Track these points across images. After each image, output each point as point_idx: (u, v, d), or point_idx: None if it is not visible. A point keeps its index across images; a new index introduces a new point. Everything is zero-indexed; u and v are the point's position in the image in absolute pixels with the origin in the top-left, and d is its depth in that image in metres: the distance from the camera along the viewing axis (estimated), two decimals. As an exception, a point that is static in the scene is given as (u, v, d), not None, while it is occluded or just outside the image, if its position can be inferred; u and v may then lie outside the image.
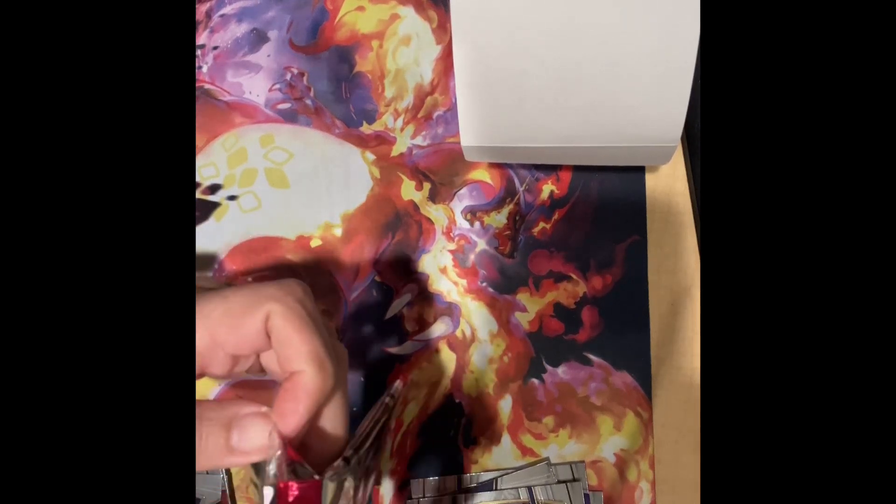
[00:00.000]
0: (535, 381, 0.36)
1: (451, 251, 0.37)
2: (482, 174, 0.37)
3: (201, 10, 0.37)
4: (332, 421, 0.25)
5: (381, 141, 0.37)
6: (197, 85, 0.37)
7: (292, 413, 0.23)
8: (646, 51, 0.27)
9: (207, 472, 0.35)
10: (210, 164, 0.37)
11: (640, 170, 0.36)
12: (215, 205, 0.37)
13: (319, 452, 0.25)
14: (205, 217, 0.37)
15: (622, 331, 0.36)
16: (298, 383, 0.24)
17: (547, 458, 0.36)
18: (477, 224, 0.37)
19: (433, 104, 0.37)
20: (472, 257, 0.37)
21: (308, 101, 0.37)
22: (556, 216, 0.36)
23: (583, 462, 0.36)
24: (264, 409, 0.23)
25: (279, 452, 0.22)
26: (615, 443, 0.36)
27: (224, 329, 0.24)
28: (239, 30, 0.37)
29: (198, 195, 0.37)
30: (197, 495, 0.35)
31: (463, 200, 0.37)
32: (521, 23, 0.27)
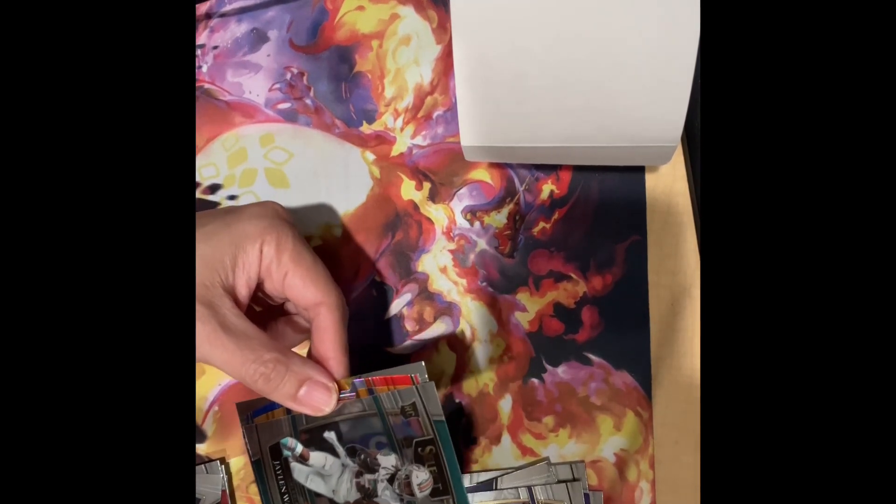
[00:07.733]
0: (535, 380, 0.36)
1: (451, 251, 0.37)
2: (482, 174, 0.37)
3: (201, 10, 0.37)
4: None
5: (381, 141, 0.37)
6: (197, 85, 0.37)
7: (335, 358, 0.30)
8: (646, 51, 0.27)
9: (207, 472, 0.35)
10: (210, 164, 0.37)
11: (640, 170, 0.36)
12: (215, 205, 0.37)
13: None
14: (205, 217, 0.37)
15: (622, 331, 0.36)
16: (322, 322, 0.30)
17: (547, 458, 0.36)
18: (477, 224, 0.37)
19: (433, 104, 0.37)
20: (472, 257, 0.37)
21: (308, 101, 0.37)
22: (556, 216, 0.36)
23: (583, 462, 0.36)
24: (332, 384, 0.29)
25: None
26: (615, 443, 0.36)
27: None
28: (239, 30, 0.37)
29: (198, 195, 0.37)
30: (197, 495, 0.35)
31: (463, 200, 0.37)
32: (521, 23, 0.27)
